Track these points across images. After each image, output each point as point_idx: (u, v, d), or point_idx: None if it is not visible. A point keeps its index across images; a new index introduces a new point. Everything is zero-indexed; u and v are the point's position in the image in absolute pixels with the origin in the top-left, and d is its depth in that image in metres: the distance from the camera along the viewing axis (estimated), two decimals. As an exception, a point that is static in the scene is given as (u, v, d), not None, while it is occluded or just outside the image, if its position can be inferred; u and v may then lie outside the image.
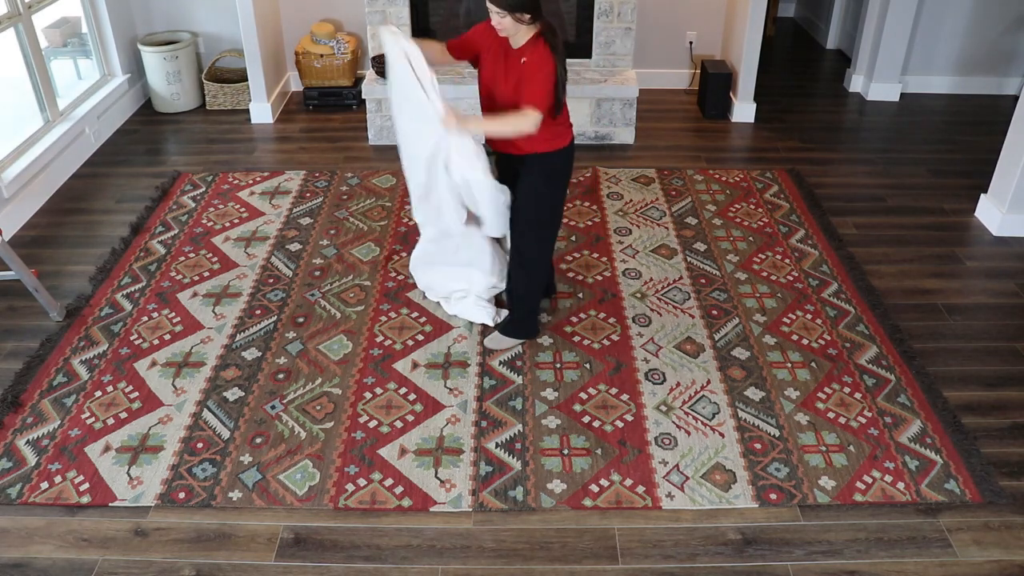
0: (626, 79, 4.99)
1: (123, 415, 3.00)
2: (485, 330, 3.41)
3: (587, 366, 3.24)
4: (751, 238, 4.08)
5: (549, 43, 2.84)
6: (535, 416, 3.00)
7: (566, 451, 2.85)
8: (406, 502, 2.67)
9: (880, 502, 2.67)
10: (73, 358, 3.27)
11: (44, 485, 2.72)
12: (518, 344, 3.34)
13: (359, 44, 5.62)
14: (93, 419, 2.98)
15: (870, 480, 2.74)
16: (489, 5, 2.77)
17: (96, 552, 2.51)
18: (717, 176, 4.67)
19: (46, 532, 2.57)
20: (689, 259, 3.91)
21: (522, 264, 3.21)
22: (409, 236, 4.01)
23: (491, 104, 3.02)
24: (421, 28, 5.12)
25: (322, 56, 5.33)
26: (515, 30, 2.82)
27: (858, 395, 3.09)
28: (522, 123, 2.81)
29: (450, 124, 2.88)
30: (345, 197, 4.44)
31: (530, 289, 3.26)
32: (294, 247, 4.00)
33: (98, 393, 3.10)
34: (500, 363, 3.25)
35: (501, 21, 2.79)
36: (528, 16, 2.77)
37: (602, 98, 4.92)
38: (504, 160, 3.15)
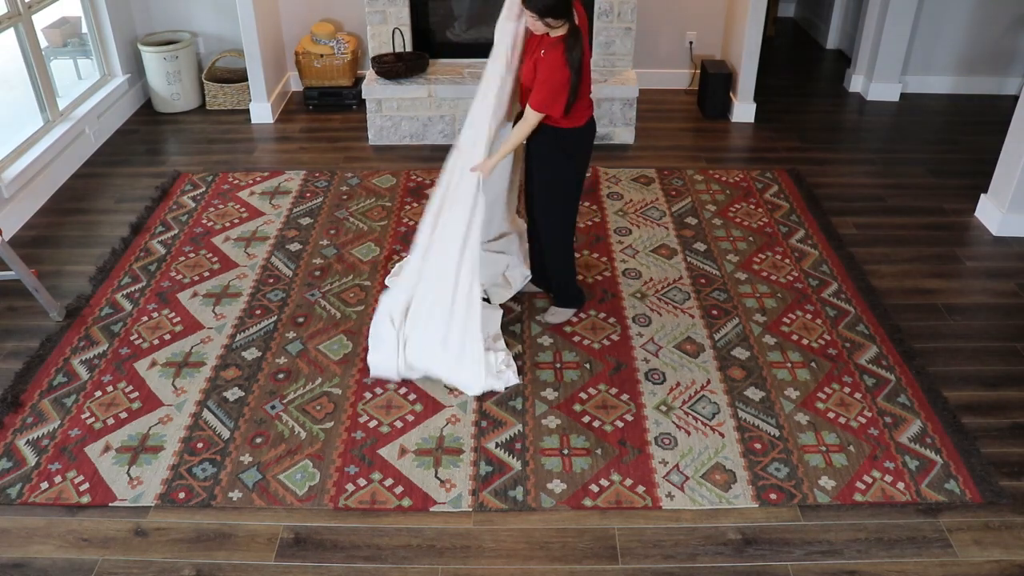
0: (626, 79, 4.99)
1: (123, 415, 3.00)
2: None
3: (587, 366, 3.24)
4: (751, 238, 4.07)
5: (567, 46, 2.86)
6: (535, 416, 3.00)
7: (566, 451, 2.85)
8: (406, 502, 2.67)
9: (880, 502, 2.67)
10: (73, 358, 3.27)
11: (44, 485, 2.72)
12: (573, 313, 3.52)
13: (359, 44, 5.62)
14: (93, 419, 2.98)
15: (870, 480, 2.74)
16: (523, 7, 2.85)
17: (96, 552, 2.51)
18: (717, 176, 4.67)
19: (46, 532, 2.57)
20: (689, 259, 3.91)
21: (549, 245, 3.34)
22: (409, 236, 4.00)
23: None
24: (421, 28, 5.12)
25: (322, 56, 5.33)
26: (546, 30, 2.91)
27: (858, 395, 3.09)
28: (525, 129, 3.00)
29: (481, 168, 3.01)
30: (345, 197, 4.44)
31: (562, 267, 3.39)
32: (294, 247, 4.00)
33: (98, 393, 3.10)
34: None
35: (535, 23, 2.87)
36: (558, 21, 2.85)
37: (602, 98, 4.91)
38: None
